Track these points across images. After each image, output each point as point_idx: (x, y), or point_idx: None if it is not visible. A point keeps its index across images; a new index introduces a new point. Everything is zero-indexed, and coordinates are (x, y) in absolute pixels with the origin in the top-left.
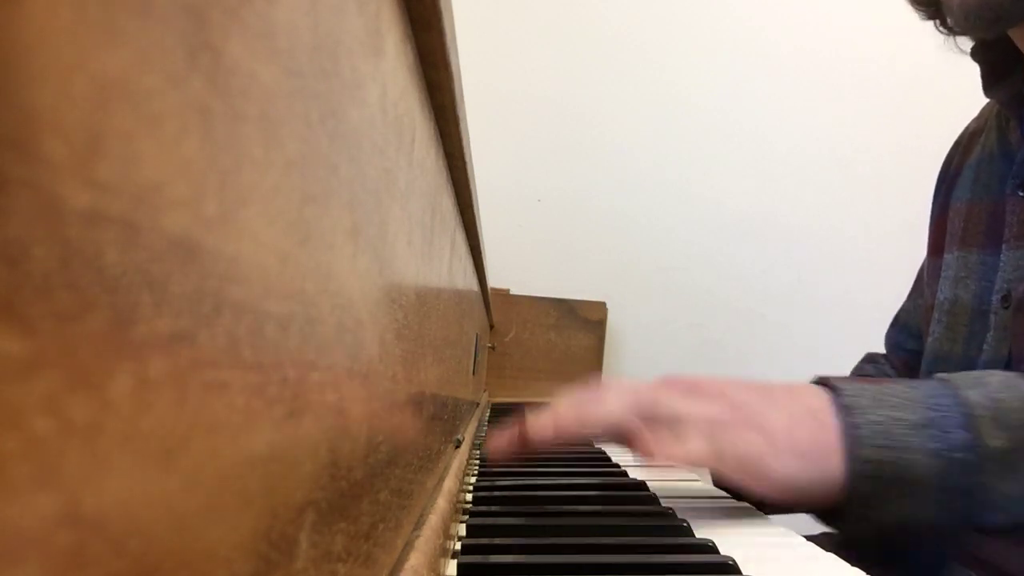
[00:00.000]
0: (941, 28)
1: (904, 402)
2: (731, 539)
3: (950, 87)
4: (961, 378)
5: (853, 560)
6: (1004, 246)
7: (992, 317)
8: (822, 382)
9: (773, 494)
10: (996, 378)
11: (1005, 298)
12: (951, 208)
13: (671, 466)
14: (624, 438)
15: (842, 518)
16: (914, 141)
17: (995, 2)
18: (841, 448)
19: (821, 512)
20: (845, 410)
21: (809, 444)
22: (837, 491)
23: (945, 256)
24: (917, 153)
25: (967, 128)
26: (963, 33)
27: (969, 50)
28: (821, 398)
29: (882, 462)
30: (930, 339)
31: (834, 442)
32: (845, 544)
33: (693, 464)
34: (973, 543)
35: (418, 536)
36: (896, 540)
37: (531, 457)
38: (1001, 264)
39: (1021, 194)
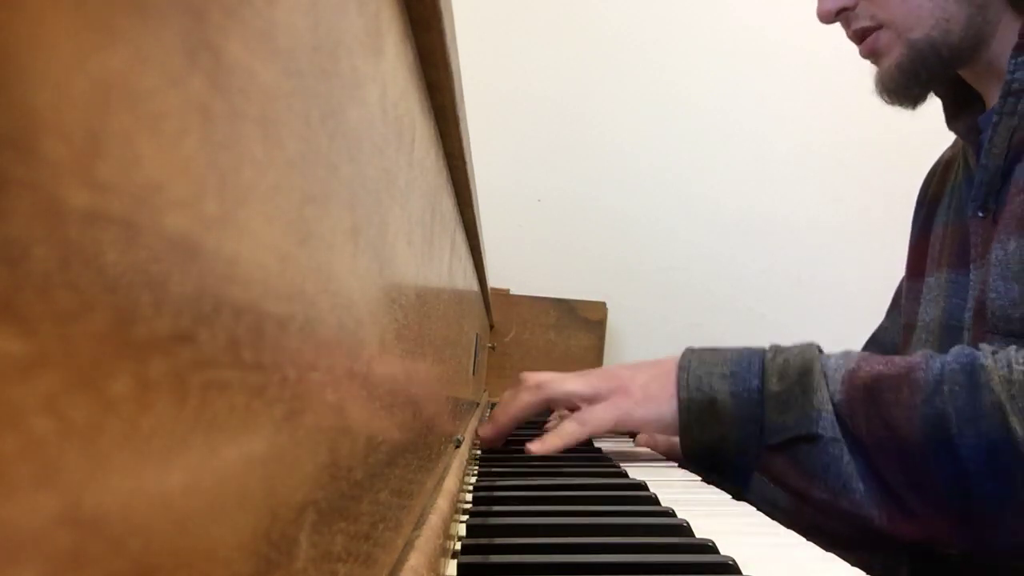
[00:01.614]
0: None
1: (722, 361)
2: (731, 539)
3: None
4: (776, 347)
5: (697, 470)
6: (972, 265)
7: (965, 333)
8: (685, 350)
9: (642, 429)
10: (798, 347)
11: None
12: (932, 234)
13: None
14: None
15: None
16: (914, 142)
17: (892, 89)
18: (675, 394)
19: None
20: (679, 368)
21: (657, 392)
22: (676, 423)
23: (927, 279)
24: (917, 153)
25: (941, 157)
26: (890, 104)
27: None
28: (672, 362)
29: (694, 400)
30: None
31: (672, 390)
32: (690, 459)
33: (569, 444)
34: (763, 458)
35: (418, 536)
36: (716, 456)
37: (531, 458)
38: (971, 283)
39: (980, 215)
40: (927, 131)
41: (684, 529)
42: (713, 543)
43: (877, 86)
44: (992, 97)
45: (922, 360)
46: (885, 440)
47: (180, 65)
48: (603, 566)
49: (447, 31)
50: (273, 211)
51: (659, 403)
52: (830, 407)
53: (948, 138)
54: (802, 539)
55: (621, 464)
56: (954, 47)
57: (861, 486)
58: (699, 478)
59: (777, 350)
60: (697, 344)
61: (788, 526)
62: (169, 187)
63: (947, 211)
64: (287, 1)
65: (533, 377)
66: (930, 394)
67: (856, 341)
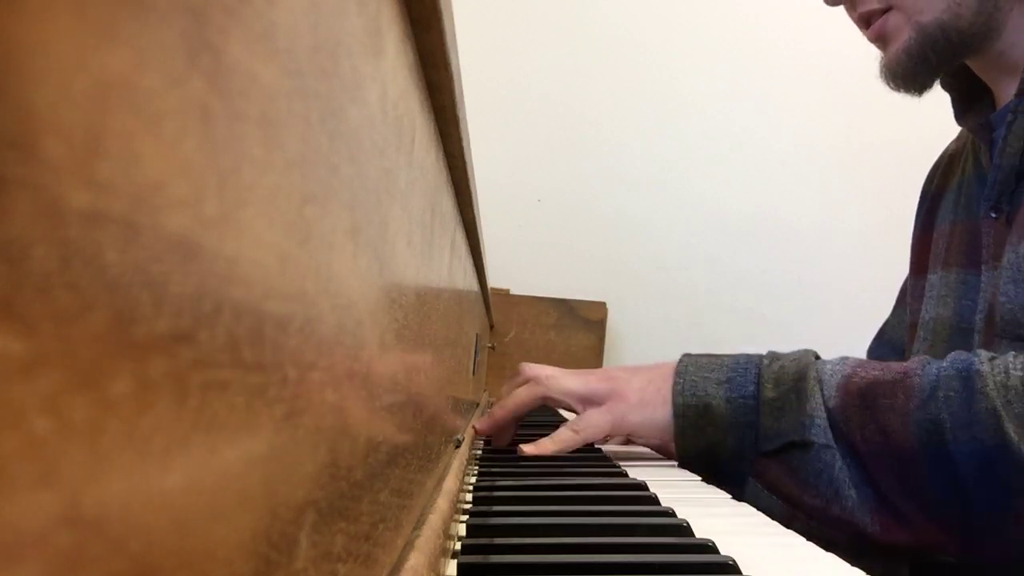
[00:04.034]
0: None
1: (719, 367)
2: (731, 539)
3: None
4: (773, 353)
5: (694, 471)
6: (983, 267)
7: (976, 336)
8: (682, 356)
9: (637, 434)
10: (795, 353)
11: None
12: (936, 230)
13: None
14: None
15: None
16: (914, 141)
17: (900, 73)
18: (670, 399)
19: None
20: (676, 374)
21: (652, 397)
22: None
23: (929, 276)
24: (917, 152)
25: (946, 150)
26: (896, 91)
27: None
28: (670, 367)
29: (689, 405)
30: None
31: (667, 394)
32: (685, 464)
33: (563, 450)
34: (758, 465)
35: (418, 536)
36: (710, 462)
37: (531, 458)
38: (982, 284)
39: (994, 216)
40: (927, 131)
41: (684, 529)
42: (713, 543)
43: (883, 72)
44: (1002, 91)
45: (918, 366)
46: (879, 446)
47: (180, 65)
48: (603, 566)
49: (447, 31)
50: (273, 211)
51: (654, 407)
52: (823, 413)
53: (948, 138)
54: (802, 539)
55: (621, 464)
56: (964, 32)
57: (854, 493)
58: (699, 478)
59: (774, 357)
60: (697, 344)
61: None
62: (169, 187)
63: (954, 208)
64: (287, 1)
65: (531, 370)
66: (925, 400)
67: (856, 341)
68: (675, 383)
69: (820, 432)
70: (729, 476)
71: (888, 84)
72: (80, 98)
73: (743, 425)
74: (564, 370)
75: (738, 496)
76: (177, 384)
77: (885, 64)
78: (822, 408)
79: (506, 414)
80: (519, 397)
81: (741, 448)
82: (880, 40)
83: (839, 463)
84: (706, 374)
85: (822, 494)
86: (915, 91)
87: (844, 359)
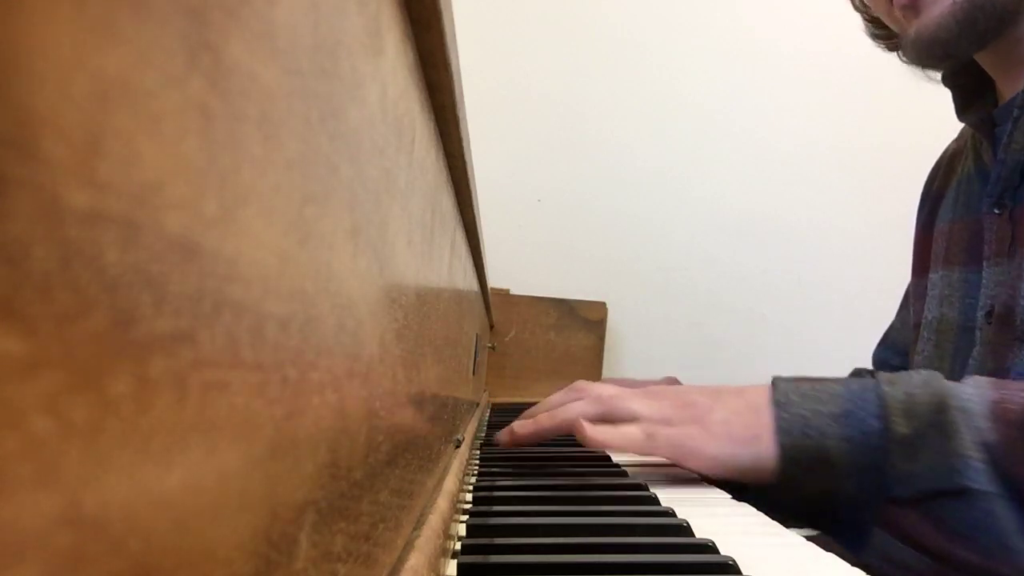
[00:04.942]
0: (903, 58)
1: (829, 396)
2: (731, 539)
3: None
4: (888, 376)
5: (781, 519)
6: (985, 263)
7: (977, 333)
8: (774, 380)
9: (708, 471)
10: (919, 376)
11: (989, 314)
12: (936, 229)
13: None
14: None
15: (778, 489)
16: (914, 141)
17: (943, 39)
18: (773, 436)
19: (764, 485)
20: (777, 404)
21: (742, 432)
22: (771, 469)
23: (930, 276)
24: (917, 153)
25: (947, 150)
26: (917, 66)
27: (940, 78)
28: (762, 395)
29: (802, 447)
30: (919, 357)
31: (767, 431)
32: (774, 506)
33: (624, 448)
34: (887, 513)
35: (418, 536)
36: (823, 509)
37: (531, 458)
38: (984, 281)
39: (996, 212)
40: (928, 131)
41: (684, 529)
42: (713, 543)
43: (915, 40)
44: (1007, 86)
45: None
46: None
47: (180, 65)
48: (603, 566)
49: (447, 31)
50: (273, 211)
51: (740, 444)
52: (977, 452)
53: (948, 138)
54: (802, 539)
55: (621, 464)
56: (1006, 6)
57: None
58: (699, 477)
59: (892, 380)
60: (697, 345)
61: None
62: (169, 187)
63: (953, 206)
64: (287, 1)
65: (593, 388)
66: None
67: (856, 342)
68: (778, 417)
69: (977, 475)
70: (846, 526)
71: (913, 55)
72: (80, 98)
73: (867, 467)
74: (628, 389)
75: (857, 549)
76: (177, 384)
77: (919, 30)
78: (975, 446)
79: (554, 426)
80: (576, 410)
81: (863, 494)
82: (912, 6)
83: (1004, 510)
84: (816, 406)
85: (983, 547)
86: (946, 65)
87: (975, 380)
